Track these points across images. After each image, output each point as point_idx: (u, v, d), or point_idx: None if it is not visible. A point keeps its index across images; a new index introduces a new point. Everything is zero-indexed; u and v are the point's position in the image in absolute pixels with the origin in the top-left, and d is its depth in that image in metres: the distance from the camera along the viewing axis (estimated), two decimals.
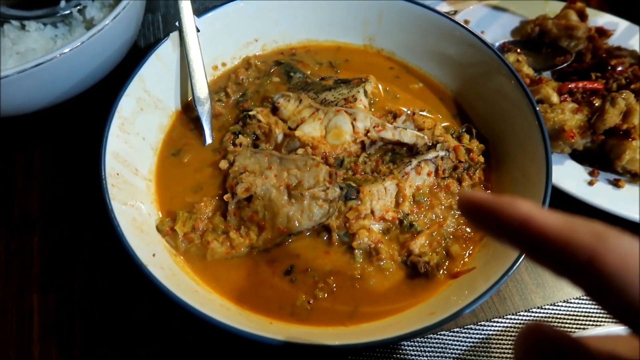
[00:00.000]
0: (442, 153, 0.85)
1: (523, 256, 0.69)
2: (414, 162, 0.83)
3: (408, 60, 1.02)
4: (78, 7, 0.98)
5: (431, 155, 0.84)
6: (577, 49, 1.10)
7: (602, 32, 1.14)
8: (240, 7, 0.97)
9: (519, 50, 1.12)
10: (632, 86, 0.97)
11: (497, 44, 1.11)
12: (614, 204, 0.89)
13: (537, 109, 0.82)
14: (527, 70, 1.02)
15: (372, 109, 0.94)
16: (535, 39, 1.13)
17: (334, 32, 1.04)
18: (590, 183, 0.92)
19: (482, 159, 0.86)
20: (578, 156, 0.97)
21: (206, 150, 0.88)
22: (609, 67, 1.00)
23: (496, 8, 1.20)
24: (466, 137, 0.89)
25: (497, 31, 1.16)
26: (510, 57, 1.02)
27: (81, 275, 0.80)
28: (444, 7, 1.25)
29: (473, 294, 0.66)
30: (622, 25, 1.18)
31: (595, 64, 1.04)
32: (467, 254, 0.78)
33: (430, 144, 0.86)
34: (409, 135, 0.85)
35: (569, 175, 0.93)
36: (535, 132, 0.81)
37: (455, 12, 1.18)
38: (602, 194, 0.90)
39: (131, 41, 0.99)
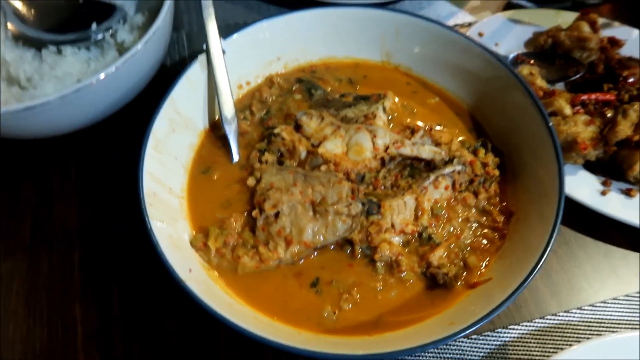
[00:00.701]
0: (458, 167, 0.88)
1: (539, 267, 0.73)
2: (432, 176, 0.87)
3: (425, 76, 1.05)
4: (110, 32, 1.03)
5: (448, 170, 0.88)
6: (589, 59, 1.12)
7: (614, 42, 1.16)
8: (264, 27, 1.02)
9: (532, 61, 1.15)
10: None
11: (511, 56, 1.15)
12: (626, 213, 0.93)
13: (550, 123, 0.86)
14: (540, 82, 1.05)
15: (391, 125, 0.98)
16: (548, 51, 1.17)
17: (352, 48, 1.08)
18: (603, 193, 0.95)
19: (497, 172, 0.90)
20: (591, 166, 1.00)
21: (234, 167, 0.93)
22: (621, 78, 1.02)
23: (510, 19, 1.22)
24: (482, 151, 0.93)
25: (511, 43, 1.19)
26: (524, 70, 1.06)
27: (119, 289, 0.86)
28: (460, 18, 1.29)
29: (491, 304, 0.71)
30: (634, 34, 1.20)
31: (607, 74, 1.07)
32: (483, 265, 0.82)
33: (447, 159, 0.90)
34: (426, 151, 0.89)
35: (582, 186, 0.96)
36: (548, 146, 0.84)
37: (470, 24, 1.21)
38: (614, 204, 0.94)
39: (160, 62, 1.04)
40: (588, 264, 0.93)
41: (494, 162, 0.91)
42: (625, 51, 1.17)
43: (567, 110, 1.00)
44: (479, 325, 0.68)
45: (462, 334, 0.68)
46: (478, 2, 1.34)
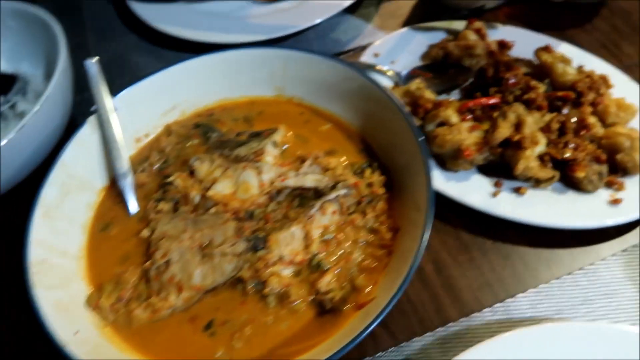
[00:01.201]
0: (343, 191, 0.91)
1: (407, 281, 0.75)
2: (318, 204, 0.90)
3: (316, 104, 1.09)
4: (9, 104, 1.07)
5: (333, 195, 0.91)
6: (478, 66, 1.16)
7: (504, 45, 1.20)
8: (153, 80, 1.05)
9: (429, 74, 1.19)
10: (525, 96, 1.03)
11: (404, 73, 1.18)
12: (517, 211, 0.95)
13: (420, 138, 0.88)
14: (428, 95, 1.08)
15: (283, 157, 1.01)
16: (441, 62, 1.20)
17: (246, 87, 1.11)
18: (494, 194, 0.98)
19: (382, 190, 0.93)
20: (485, 169, 1.02)
21: (132, 220, 0.96)
22: (504, 81, 1.06)
23: (405, 36, 1.26)
24: (368, 171, 0.96)
25: (407, 59, 1.23)
26: (412, 86, 1.09)
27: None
28: (365, 39, 1.32)
29: (365, 322, 0.73)
30: (523, 34, 1.23)
31: (495, 78, 1.10)
32: (372, 285, 0.84)
33: (332, 184, 0.92)
34: (310, 180, 0.92)
35: (476, 190, 0.99)
36: (419, 160, 0.87)
37: (367, 46, 1.24)
38: (505, 203, 0.96)
39: (62, 126, 1.08)
40: (488, 266, 0.95)
41: (380, 181, 0.94)
42: (517, 51, 1.20)
43: (454, 118, 1.03)
44: (349, 346, 0.70)
45: (343, 351, 0.70)
46: (379, 23, 1.38)
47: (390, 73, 1.19)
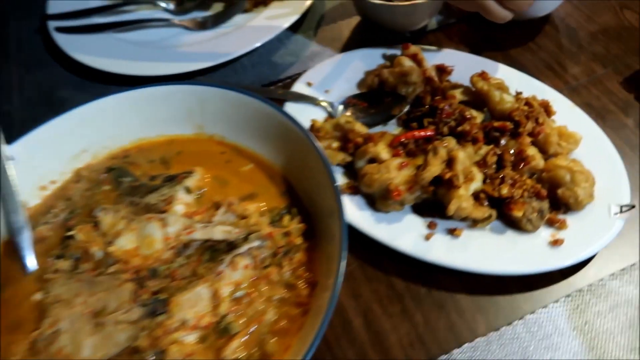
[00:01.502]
0: (255, 243, 0.83)
1: (312, 348, 0.67)
2: (227, 258, 0.81)
3: (238, 142, 1.01)
4: None
5: (244, 247, 0.82)
6: (415, 94, 1.08)
7: (442, 70, 1.12)
8: (59, 123, 0.97)
9: (365, 103, 1.11)
10: (459, 128, 0.95)
11: (336, 103, 1.10)
12: (449, 256, 0.87)
13: (336, 184, 0.80)
14: (359, 128, 1.00)
15: (199, 203, 0.93)
16: (377, 90, 1.12)
17: (164, 126, 1.03)
18: (427, 237, 0.90)
19: (300, 240, 0.85)
20: (421, 208, 0.95)
21: (28, 280, 0.86)
22: (438, 110, 0.98)
23: (341, 63, 1.19)
24: (287, 217, 0.87)
25: (343, 87, 1.15)
26: (342, 119, 1.01)
27: None
28: (299, 67, 1.25)
29: None
30: (464, 58, 1.16)
31: (431, 107, 1.03)
32: (283, 350, 0.76)
33: (245, 235, 0.84)
34: (219, 232, 0.84)
35: (407, 232, 0.91)
36: (335, 206, 0.79)
37: (301, 74, 1.17)
38: (438, 248, 0.89)
39: None
40: (421, 317, 0.87)
41: (298, 229, 0.86)
42: (458, 76, 1.13)
43: (384, 154, 0.95)
44: None
45: None
46: (318, 48, 1.31)
47: (324, 103, 1.11)
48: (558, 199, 0.91)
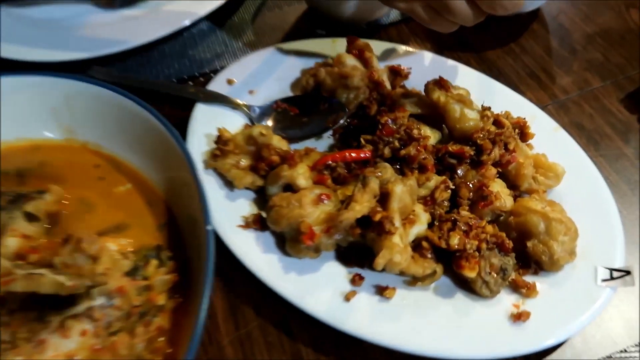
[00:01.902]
0: (99, 302, 0.59)
1: None
2: (55, 322, 0.58)
3: (117, 153, 0.77)
4: None
5: (82, 307, 0.59)
6: (356, 101, 0.84)
7: (397, 73, 0.89)
8: None
9: (296, 109, 0.88)
10: (403, 152, 0.71)
11: (257, 110, 0.87)
12: (374, 326, 0.64)
13: (209, 226, 0.56)
14: (277, 143, 0.77)
15: (51, 234, 0.69)
16: (311, 94, 0.88)
17: (25, 128, 0.80)
18: (347, 297, 0.66)
19: (162, 299, 0.61)
20: (345, 254, 0.71)
21: None
22: (379, 126, 0.74)
23: (272, 57, 0.95)
24: (154, 263, 0.63)
25: (272, 87, 0.92)
26: (255, 130, 0.77)
27: None
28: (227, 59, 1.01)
29: None
30: (428, 58, 0.93)
31: (376, 120, 0.79)
32: None
33: (87, 288, 0.60)
34: (48, 284, 0.60)
35: (322, 288, 0.68)
36: (203, 255, 0.56)
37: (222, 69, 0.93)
38: (360, 312, 0.65)
39: None
40: None
41: (164, 282, 0.62)
42: (417, 81, 0.89)
43: (301, 180, 0.72)
44: None
45: None
46: (253, 37, 1.07)
47: (244, 107, 0.87)
48: (528, 255, 0.67)
